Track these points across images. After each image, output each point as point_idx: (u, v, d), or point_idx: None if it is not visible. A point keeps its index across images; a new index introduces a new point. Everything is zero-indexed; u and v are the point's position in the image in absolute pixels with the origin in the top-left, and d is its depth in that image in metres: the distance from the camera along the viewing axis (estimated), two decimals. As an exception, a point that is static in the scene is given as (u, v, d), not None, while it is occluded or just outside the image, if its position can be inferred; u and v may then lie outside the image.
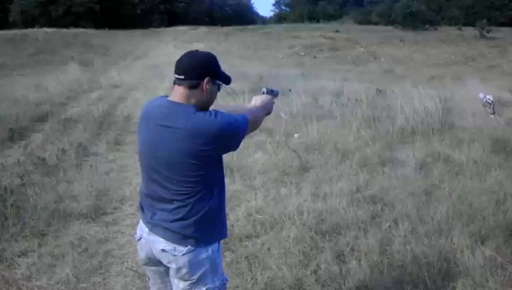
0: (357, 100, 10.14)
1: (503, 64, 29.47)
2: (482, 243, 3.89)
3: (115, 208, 5.11)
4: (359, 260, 3.71)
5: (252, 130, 2.28)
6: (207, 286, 2.14)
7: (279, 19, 71.60)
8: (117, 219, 4.85)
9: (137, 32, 40.12)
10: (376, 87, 13.03)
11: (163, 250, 2.12)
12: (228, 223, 4.40)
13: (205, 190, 2.09)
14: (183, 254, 2.09)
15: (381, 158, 6.52)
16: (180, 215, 2.08)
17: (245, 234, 4.27)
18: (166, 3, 53.03)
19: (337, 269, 3.61)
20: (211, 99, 2.17)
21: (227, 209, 4.75)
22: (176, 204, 2.08)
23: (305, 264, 3.73)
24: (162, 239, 2.12)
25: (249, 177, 5.89)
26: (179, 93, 2.10)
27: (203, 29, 43.28)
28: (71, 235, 4.42)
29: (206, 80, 2.09)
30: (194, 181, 2.05)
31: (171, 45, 32.61)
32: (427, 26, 44.80)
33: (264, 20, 79.50)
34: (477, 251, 3.70)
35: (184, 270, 2.11)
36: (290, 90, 7.99)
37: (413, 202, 4.91)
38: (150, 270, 2.34)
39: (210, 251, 2.14)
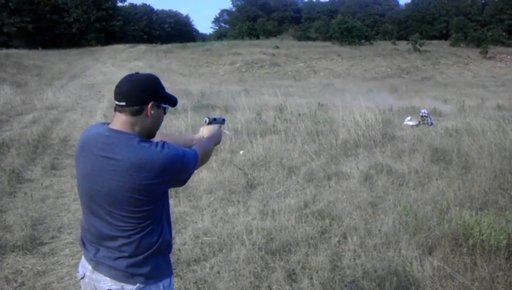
0: (300, 115, 10.24)
1: (436, 76, 30.99)
2: (430, 254, 3.93)
3: (52, 238, 4.78)
4: (311, 278, 3.64)
5: (202, 164, 2.14)
6: None
7: (219, 35, 71.93)
8: (55, 249, 4.54)
9: (72, 52, 39.05)
10: (317, 101, 13.27)
11: (101, 287, 1.95)
12: (175, 247, 4.26)
13: (153, 225, 1.94)
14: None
15: (327, 172, 6.55)
16: (126, 253, 1.91)
17: (193, 258, 4.11)
18: (103, 22, 51.99)
19: (289, 288, 3.53)
20: (156, 124, 2.01)
21: (173, 233, 4.61)
22: (120, 241, 1.91)
23: (256, 286, 3.62)
24: (107, 278, 1.94)
25: (195, 197, 5.73)
26: (120, 121, 1.90)
27: (141, 47, 42.75)
28: (6, 269, 4.08)
29: (150, 104, 1.91)
30: (139, 217, 1.89)
31: (109, 64, 31.96)
32: (362, 41, 46.49)
33: (204, 37, 79.76)
34: (426, 261, 3.73)
35: None
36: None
37: (360, 215, 4.93)
38: None
39: (161, 287, 1.99)
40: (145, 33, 63.51)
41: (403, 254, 3.96)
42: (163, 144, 1.89)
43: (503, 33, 50.96)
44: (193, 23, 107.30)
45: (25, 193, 5.99)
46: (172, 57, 38.55)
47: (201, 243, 4.39)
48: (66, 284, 3.86)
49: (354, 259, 3.97)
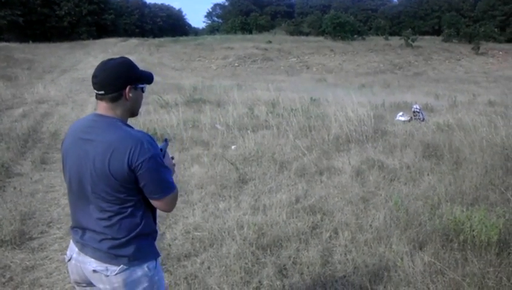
0: (292, 110, 10.21)
1: (428, 71, 31.07)
2: (421, 249, 3.93)
3: (41, 232, 4.74)
4: (301, 274, 3.63)
5: (172, 205, 2.12)
6: None
7: (211, 30, 71.69)
8: (44, 243, 4.50)
9: (64, 45, 38.62)
10: (310, 96, 13.24)
11: (94, 271, 2.03)
12: (165, 242, 4.24)
13: (134, 208, 2.01)
14: (116, 274, 2.00)
15: (319, 167, 6.54)
16: (109, 235, 2.00)
17: (183, 253, 4.08)
18: (94, 15, 51.55)
19: (279, 284, 3.51)
20: (137, 105, 2.11)
21: (163, 228, 4.58)
22: (103, 223, 2.00)
23: (247, 281, 3.60)
24: (92, 259, 2.03)
25: (186, 192, 5.70)
26: (103, 107, 2.02)
27: (133, 41, 42.47)
28: (-7, 264, 4.04)
29: (127, 89, 2.01)
30: (119, 198, 1.97)
31: (100, 57, 31.63)
32: (355, 36, 46.49)
33: (196, 32, 79.39)
34: (416, 257, 3.73)
35: (124, 288, 2.03)
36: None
37: (351, 210, 4.92)
38: None
39: (146, 269, 2.06)
40: (137, 27, 63.15)
41: (393, 249, 3.96)
42: (148, 134, 2.02)
43: (495, 29, 51.18)
44: (185, 17, 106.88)
45: (14, 188, 5.94)
46: (164, 51, 38.33)
47: (192, 238, 4.37)
48: (54, 280, 3.82)
49: (345, 254, 3.96)
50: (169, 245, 4.20)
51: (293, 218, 4.75)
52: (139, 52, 36.48)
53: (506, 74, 31.52)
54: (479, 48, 42.22)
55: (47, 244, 4.47)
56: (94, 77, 2.00)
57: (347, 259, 3.86)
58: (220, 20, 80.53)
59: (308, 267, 3.71)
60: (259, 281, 3.58)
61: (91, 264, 2.02)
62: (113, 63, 2.02)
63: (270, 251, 4.04)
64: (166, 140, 2.34)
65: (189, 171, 6.56)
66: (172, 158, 2.31)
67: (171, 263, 3.92)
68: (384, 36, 49.24)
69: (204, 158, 7.04)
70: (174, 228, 4.64)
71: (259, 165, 6.67)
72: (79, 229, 2.08)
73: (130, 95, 2.02)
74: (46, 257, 4.21)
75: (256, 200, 5.35)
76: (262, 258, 3.92)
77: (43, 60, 28.97)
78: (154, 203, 2.06)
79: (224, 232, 4.39)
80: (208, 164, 6.74)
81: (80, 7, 50.09)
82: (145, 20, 66.99)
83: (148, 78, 2.14)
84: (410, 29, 47.67)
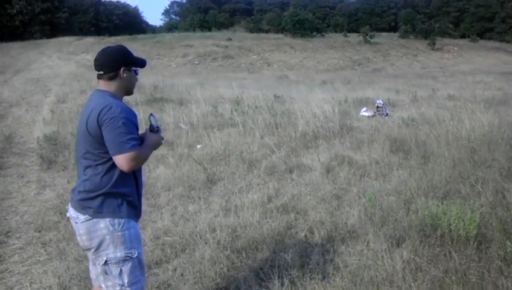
0: (256, 107, 10.06)
1: (387, 67, 31.60)
2: (398, 246, 3.85)
3: (-1, 243, 4.41)
4: (280, 277, 3.47)
5: (135, 165, 2.37)
6: (108, 256, 2.39)
7: (169, 27, 70.63)
8: (3, 255, 4.17)
9: (16, 45, 37.15)
10: (273, 94, 13.14)
11: (69, 217, 2.50)
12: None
13: (103, 167, 2.36)
14: (82, 222, 2.38)
15: (288, 165, 6.42)
16: (82, 188, 2.40)
17: (154, 260, 3.86)
18: (48, 13, 49.73)
19: (258, 289, 3.36)
20: (130, 84, 2.53)
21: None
22: (82, 177, 2.42)
23: (224, 288, 3.42)
24: (72, 208, 2.47)
25: (152, 195, 5.47)
26: (102, 84, 2.47)
27: (89, 40, 41.23)
28: None
29: (121, 70, 2.44)
30: (93, 155, 2.35)
31: (55, 57, 30.70)
32: (314, 33, 46.76)
33: (154, 30, 78.09)
34: (395, 254, 3.64)
35: (84, 237, 2.41)
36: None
37: (325, 208, 4.82)
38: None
39: (109, 223, 2.37)
40: (92, 25, 61.49)
41: (371, 247, 3.86)
42: (125, 106, 2.38)
43: (450, 25, 52.63)
44: (142, 14, 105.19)
45: (-34, 196, 5.55)
46: (122, 49, 37.45)
47: (162, 244, 4.16)
48: (15, 295, 3.54)
49: (323, 254, 3.84)
50: (139, 252, 3.97)
51: (266, 218, 4.61)
52: (95, 51, 35.38)
53: (461, 69, 32.44)
54: (434, 44, 43.33)
55: (6, 256, 4.15)
56: (96, 60, 2.45)
57: (325, 259, 3.74)
58: (178, 18, 79.53)
59: (286, 270, 3.56)
60: (237, 287, 3.41)
61: (71, 212, 2.46)
62: (112, 49, 2.49)
63: (246, 254, 3.87)
64: (151, 114, 2.64)
65: (154, 172, 6.32)
66: (157, 129, 2.59)
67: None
68: (342, 33, 49.81)
69: (169, 159, 6.81)
70: (142, 233, 4.36)
71: (227, 165, 6.49)
72: (75, 188, 2.48)
73: (124, 75, 2.46)
74: (6, 270, 3.91)
75: (227, 201, 5.17)
76: (238, 262, 3.75)
77: (-6, 61, 27.77)
78: (114, 160, 2.32)
79: (196, 236, 4.19)
80: (173, 165, 6.51)
81: (32, 5, 48.10)
82: (100, 18, 65.33)
83: (140, 63, 2.57)
84: (367, 26, 48.43)
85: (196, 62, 33.88)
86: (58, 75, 19.91)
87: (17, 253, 4.21)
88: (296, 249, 3.91)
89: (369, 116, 10.39)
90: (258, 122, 8.80)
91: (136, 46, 38.65)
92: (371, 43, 42.02)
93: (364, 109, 11.09)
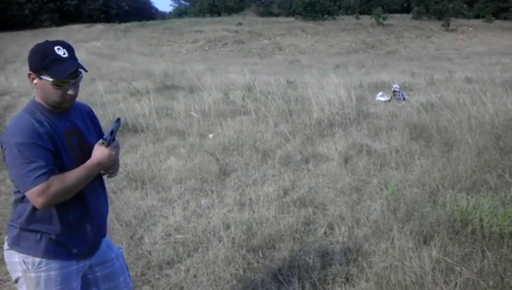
0: (269, 93, 9.78)
1: (400, 50, 31.01)
2: (425, 243, 3.59)
3: None
4: (299, 278, 3.25)
5: (52, 200, 1.88)
6: None
7: (179, 13, 70.04)
8: None
9: (26, 34, 37.02)
10: (286, 79, 12.83)
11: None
12: (144, 248, 3.79)
13: (21, 197, 1.95)
14: (3, 249, 2.07)
15: (303, 154, 6.16)
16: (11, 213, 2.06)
17: (165, 260, 3.65)
18: (57, 1, 49.52)
19: (276, 292, 3.13)
20: (46, 95, 1.93)
21: (141, 231, 4.12)
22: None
23: (240, 291, 3.21)
24: None
25: (164, 188, 5.25)
26: None
27: (99, 27, 41.03)
28: None
29: (30, 75, 1.94)
30: (14, 181, 1.94)
31: (66, 45, 30.50)
32: (326, 16, 45.98)
33: (163, 16, 77.56)
34: (423, 253, 3.38)
35: (7, 266, 2.09)
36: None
37: (344, 202, 4.56)
38: None
39: (22, 260, 1.99)
40: (102, 12, 61.04)
41: (396, 245, 3.59)
42: (22, 125, 1.86)
43: (464, 5, 51.32)
44: (151, 0, 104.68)
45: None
46: (131, 36, 37.20)
47: (174, 242, 3.94)
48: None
49: (345, 254, 3.59)
50: (149, 252, 3.76)
51: (283, 213, 4.37)
52: (105, 38, 35.33)
53: (477, 50, 31.65)
54: (449, 25, 42.32)
55: None
56: None
57: (348, 259, 3.49)
58: (187, 3, 78.82)
59: (307, 272, 3.32)
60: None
61: None
62: (32, 49, 1.95)
63: (263, 253, 3.64)
64: (118, 120, 2.10)
65: (165, 164, 6.10)
66: (109, 142, 2.02)
67: (152, 272, 3.50)
68: (354, 15, 48.91)
69: (180, 149, 6.58)
70: (153, 230, 4.20)
71: (240, 155, 6.25)
72: None
73: (34, 82, 1.93)
74: None
75: (241, 194, 4.93)
76: (254, 262, 3.52)
77: (4, 50, 27.78)
78: None
79: (210, 233, 3.97)
80: (185, 156, 6.29)
81: (41, -7, 48.03)
82: (110, 5, 64.81)
83: (55, 73, 1.88)
84: (379, 7, 47.48)
85: (206, 48, 33.54)
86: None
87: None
88: (316, 248, 3.67)
89: (385, 101, 10.05)
90: (271, 109, 8.53)
91: (145, 32, 38.48)
92: (384, 25, 41.17)
93: (380, 93, 10.75)
